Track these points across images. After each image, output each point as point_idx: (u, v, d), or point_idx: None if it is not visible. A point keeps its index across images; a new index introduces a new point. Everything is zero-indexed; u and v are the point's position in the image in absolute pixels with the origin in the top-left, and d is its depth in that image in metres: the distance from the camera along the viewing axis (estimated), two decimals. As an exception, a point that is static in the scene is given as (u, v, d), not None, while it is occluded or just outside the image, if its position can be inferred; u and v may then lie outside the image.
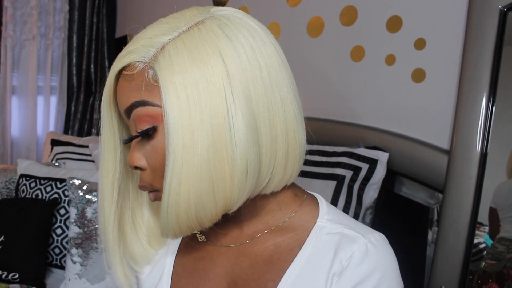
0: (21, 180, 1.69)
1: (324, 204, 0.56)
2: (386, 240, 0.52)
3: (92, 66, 2.55)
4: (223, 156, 0.44)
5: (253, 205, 0.52)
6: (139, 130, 0.47)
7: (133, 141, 0.50)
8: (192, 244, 0.59)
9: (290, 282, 0.50)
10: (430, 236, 1.22)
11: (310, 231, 0.53)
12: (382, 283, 0.48)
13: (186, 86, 0.43)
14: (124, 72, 0.47)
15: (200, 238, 0.58)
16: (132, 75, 0.46)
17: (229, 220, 0.54)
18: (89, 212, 1.40)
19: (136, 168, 0.50)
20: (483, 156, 1.01)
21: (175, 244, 0.60)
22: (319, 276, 0.50)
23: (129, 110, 0.47)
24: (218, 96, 0.44)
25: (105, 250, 0.57)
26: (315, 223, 0.53)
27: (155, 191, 0.51)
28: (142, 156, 0.49)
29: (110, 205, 0.54)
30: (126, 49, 0.47)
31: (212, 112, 0.44)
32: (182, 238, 0.61)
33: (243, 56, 0.45)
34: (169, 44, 0.45)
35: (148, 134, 0.47)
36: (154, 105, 0.46)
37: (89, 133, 2.56)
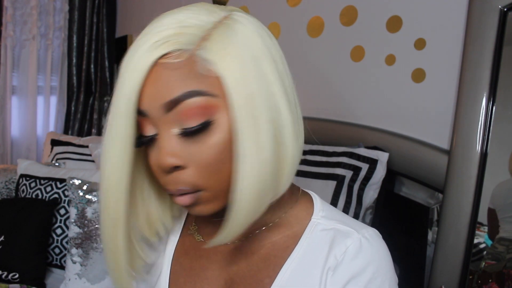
0: (21, 180, 1.69)
1: (318, 201, 0.57)
2: (380, 235, 0.53)
3: (92, 66, 2.55)
4: (280, 145, 0.45)
5: None
6: (191, 125, 0.43)
7: (162, 137, 0.45)
8: (190, 243, 0.59)
9: (286, 278, 0.51)
10: (430, 236, 1.22)
11: (305, 228, 0.53)
12: (376, 277, 0.49)
13: (246, 75, 0.43)
14: (162, 61, 0.43)
15: (198, 238, 0.58)
16: (175, 64, 0.43)
17: None
18: (89, 212, 1.40)
19: (174, 168, 0.45)
20: (483, 156, 1.01)
21: (172, 244, 0.61)
22: (314, 271, 0.50)
23: (174, 102, 0.43)
24: (270, 85, 0.45)
25: (111, 264, 0.51)
26: (310, 220, 0.54)
27: (196, 192, 0.46)
28: (181, 152, 0.45)
29: (123, 218, 0.48)
30: (157, 35, 0.43)
31: (269, 100, 0.44)
32: (179, 238, 0.61)
33: (274, 52, 0.47)
34: (214, 32, 0.44)
35: (204, 128, 0.43)
36: (210, 94, 0.43)
37: (89, 133, 2.56)
